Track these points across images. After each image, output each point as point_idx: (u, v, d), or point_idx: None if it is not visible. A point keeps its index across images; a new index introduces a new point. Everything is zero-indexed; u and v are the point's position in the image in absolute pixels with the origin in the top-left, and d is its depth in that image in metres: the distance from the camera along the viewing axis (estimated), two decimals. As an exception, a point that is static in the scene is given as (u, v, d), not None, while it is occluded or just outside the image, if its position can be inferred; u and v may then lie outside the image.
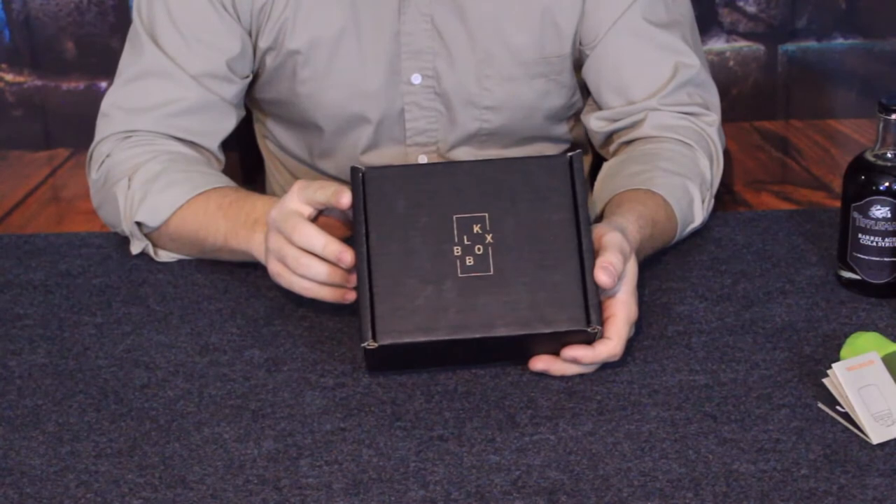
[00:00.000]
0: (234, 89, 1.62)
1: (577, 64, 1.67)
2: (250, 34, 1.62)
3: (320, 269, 1.33)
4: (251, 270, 1.50)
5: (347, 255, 1.31)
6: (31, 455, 1.23)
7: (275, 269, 1.36)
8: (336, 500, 1.16)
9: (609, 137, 1.66)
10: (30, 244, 1.59)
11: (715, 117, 1.64)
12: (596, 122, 1.66)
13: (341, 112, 1.65)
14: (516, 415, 1.27)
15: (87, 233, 1.62)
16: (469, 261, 1.29)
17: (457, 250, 1.29)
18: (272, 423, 1.26)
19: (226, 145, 1.67)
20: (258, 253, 1.42)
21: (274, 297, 1.45)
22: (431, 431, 1.25)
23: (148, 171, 1.53)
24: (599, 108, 1.67)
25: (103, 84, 2.01)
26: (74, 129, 2.04)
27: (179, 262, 1.53)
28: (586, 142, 1.78)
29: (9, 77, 2.04)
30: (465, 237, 1.30)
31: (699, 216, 1.55)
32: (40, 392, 1.32)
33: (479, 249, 1.29)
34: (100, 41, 2.00)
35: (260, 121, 1.79)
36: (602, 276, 1.28)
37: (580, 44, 1.65)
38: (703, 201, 1.56)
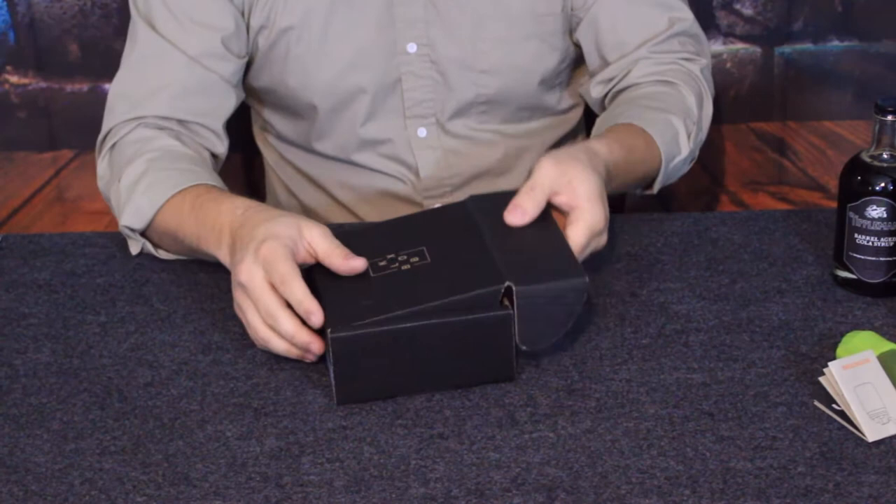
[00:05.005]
0: (231, 67, 1.63)
1: (569, 29, 1.69)
2: (243, 14, 1.63)
3: (288, 327, 1.30)
4: (253, 270, 1.51)
5: (317, 317, 1.28)
6: (36, 453, 1.24)
7: (240, 300, 1.34)
8: (337, 497, 1.17)
9: (606, 97, 1.69)
10: (34, 244, 1.59)
11: (705, 62, 1.68)
12: (596, 88, 1.69)
13: (336, 87, 1.66)
14: (516, 413, 1.28)
15: (92, 233, 1.62)
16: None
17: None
18: (274, 421, 1.27)
19: (230, 153, 1.68)
20: (224, 262, 1.41)
21: (276, 297, 1.45)
22: (432, 429, 1.26)
23: (132, 172, 1.54)
24: (597, 73, 1.69)
25: (107, 86, 2.01)
26: (79, 130, 2.04)
27: (182, 261, 1.54)
28: (583, 123, 1.80)
29: (14, 79, 2.05)
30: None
31: (685, 148, 1.58)
32: (45, 390, 1.33)
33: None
34: (103, 43, 2.01)
35: (257, 111, 1.79)
36: (509, 216, 1.34)
37: (572, 8, 1.67)
38: (688, 135, 1.59)
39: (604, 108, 1.70)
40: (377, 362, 1.28)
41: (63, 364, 1.37)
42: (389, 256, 1.35)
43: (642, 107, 1.60)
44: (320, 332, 1.31)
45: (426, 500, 1.17)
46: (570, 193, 1.36)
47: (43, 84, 2.05)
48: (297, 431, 1.26)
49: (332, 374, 1.28)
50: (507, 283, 1.29)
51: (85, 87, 2.05)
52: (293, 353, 1.32)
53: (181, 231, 1.48)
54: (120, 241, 1.58)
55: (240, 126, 1.76)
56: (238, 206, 1.41)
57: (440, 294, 1.29)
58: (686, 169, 1.63)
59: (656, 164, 1.57)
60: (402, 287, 1.31)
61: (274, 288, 1.30)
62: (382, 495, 1.17)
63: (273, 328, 1.31)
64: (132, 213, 1.52)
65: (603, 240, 1.39)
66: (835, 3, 2.05)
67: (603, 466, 1.20)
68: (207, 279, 1.50)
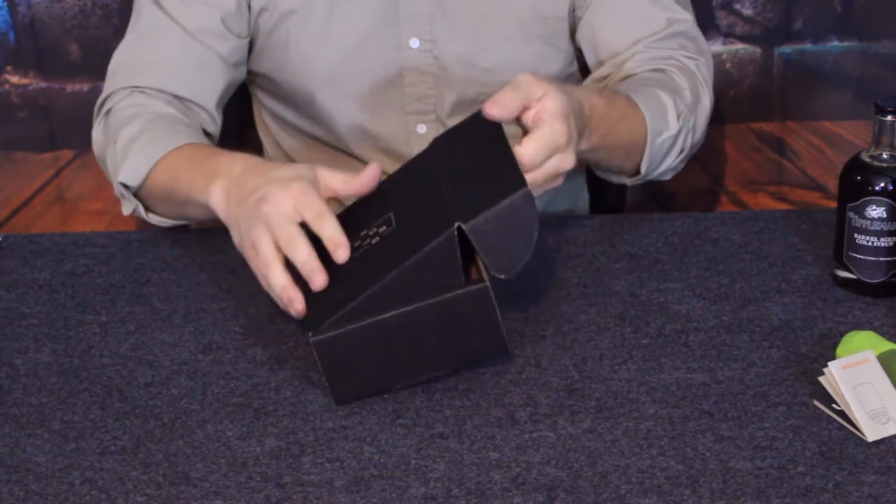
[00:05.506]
0: (229, 46, 1.65)
1: (573, 31, 1.70)
2: None
3: (304, 251, 1.30)
4: (253, 270, 1.51)
5: (320, 277, 1.30)
6: (37, 452, 1.24)
7: (255, 233, 1.34)
8: (338, 497, 1.18)
9: None
10: (35, 244, 1.59)
11: (703, 60, 1.68)
12: (591, 86, 1.68)
13: (335, 76, 1.66)
14: (516, 412, 1.28)
15: (92, 232, 1.63)
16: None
17: None
18: (275, 420, 1.28)
19: (227, 144, 1.68)
20: (215, 206, 1.42)
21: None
22: (432, 429, 1.26)
23: (129, 132, 1.56)
24: (593, 72, 1.69)
25: (107, 86, 2.02)
26: (79, 130, 2.04)
27: (183, 262, 1.54)
28: None
29: (14, 79, 2.05)
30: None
31: (673, 125, 1.58)
32: (45, 390, 1.33)
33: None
34: (104, 43, 2.01)
35: (258, 99, 1.79)
36: (488, 107, 1.34)
37: (573, 9, 1.67)
38: (678, 114, 1.58)
39: None
40: (366, 357, 1.28)
41: (63, 364, 1.37)
42: (362, 234, 1.34)
43: (629, 84, 1.60)
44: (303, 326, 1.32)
45: (426, 500, 1.17)
46: (538, 108, 1.36)
47: (43, 84, 2.05)
48: (298, 431, 1.26)
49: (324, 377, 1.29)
50: (456, 224, 1.27)
51: (85, 87, 2.05)
52: (286, 293, 1.31)
53: (174, 184, 1.50)
54: (120, 241, 1.59)
55: (240, 117, 1.76)
56: (237, 159, 1.43)
57: (400, 260, 1.28)
58: (674, 161, 1.61)
59: (642, 131, 1.56)
60: (372, 264, 1.30)
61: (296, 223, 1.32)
62: (382, 495, 1.18)
63: (289, 254, 1.31)
64: (128, 170, 1.54)
65: (568, 160, 1.37)
66: (834, 3, 2.05)
67: (603, 466, 1.20)
68: (207, 279, 1.51)
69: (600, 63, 1.68)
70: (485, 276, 1.29)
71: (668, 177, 1.64)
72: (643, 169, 1.59)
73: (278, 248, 1.32)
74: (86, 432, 1.27)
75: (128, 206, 1.58)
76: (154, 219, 1.57)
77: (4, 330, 1.43)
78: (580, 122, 1.43)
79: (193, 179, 1.46)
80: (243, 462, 1.22)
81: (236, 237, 1.38)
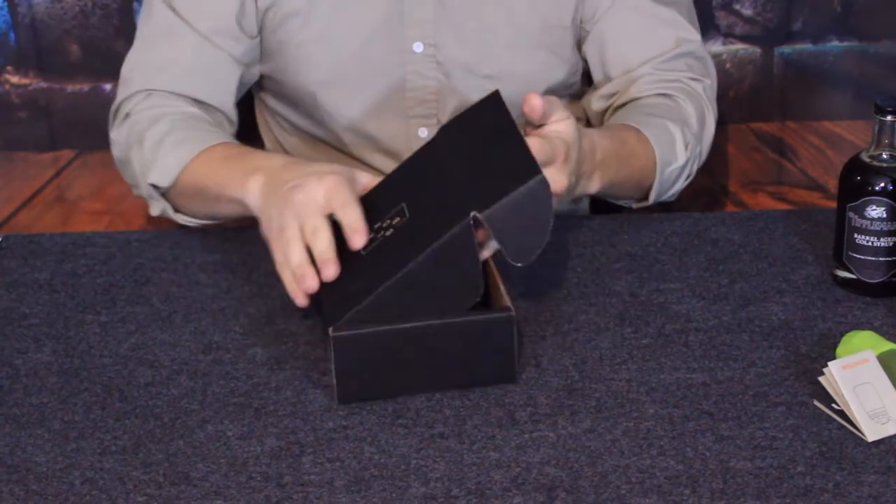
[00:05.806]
0: (242, 47, 1.65)
1: (578, 42, 1.70)
2: None
3: (325, 240, 1.32)
4: (254, 269, 1.51)
5: (331, 268, 1.31)
6: (37, 452, 1.24)
7: (284, 219, 1.36)
8: (338, 497, 1.18)
9: (606, 111, 1.70)
10: (35, 244, 1.59)
11: (709, 82, 1.68)
12: (597, 102, 1.70)
13: (337, 79, 1.67)
14: (516, 412, 1.28)
15: (92, 232, 1.63)
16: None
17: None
18: (275, 420, 1.28)
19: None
20: (251, 198, 1.43)
21: (276, 297, 1.45)
22: (432, 429, 1.26)
23: (156, 132, 1.57)
24: (599, 88, 1.69)
25: (107, 86, 2.01)
26: (79, 130, 2.04)
27: (183, 262, 1.54)
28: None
29: (14, 79, 2.05)
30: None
31: (681, 156, 1.60)
32: (46, 390, 1.33)
33: None
34: (104, 44, 2.01)
35: (261, 99, 1.79)
36: (531, 98, 1.36)
37: (581, 21, 1.67)
38: (685, 144, 1.60)
39: (602, 123, 1.70)
40: (378, 361, 1.28)
41: (64, 364, 1.37)
42: (376, 226, 1.35)
43: (638, 112, 1.61)
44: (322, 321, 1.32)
45: (426, 500, 1.17)
46: (552, 126, 1.38)
47: (43, 84, 2.05)
48: (298, 431, 1.26)
49: (333, 372, 1.29)
50: (472, 214, 1.27)
51: (85, 87, 2.05)
52: (302, 269, 1.33)
53: (207, 181, 1.51)
54: (121, 241, 1.59)
55: (242, 116, 1.76)
56: (276, 156, 1.47)
57: (416, 251, 1.28)
58: (681, 185, 1.63)
59: (651, 163, 1.57)
60: (388, 256, 1.31)
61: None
62: (383, 495, 1.18)
63: (311, 243, 1.32)
64: (159, 171, 1.55)
65: (559, 178, 1.38)
66: (834, 3, 2.05)
67: (603, 466, 1.20)
68: (207, 279, 1.51)
69: (607, 78, 1.68)
70: (509, 303, 1.30)
71: (672, 199, 1.66)
72: (651, 198, 1.62)
73: (303, 234, 1.33)
74: (86, 432, 1.27)
75: (156, 207, 1.58)
76: (182, 219, 1.58)
77: (4, 330, 1.43)
78: (588, 164, 1.45)
79: (229, 175, 1.48)
80: (243, 462, 1.22)
81: (265, 223, 1.39)
